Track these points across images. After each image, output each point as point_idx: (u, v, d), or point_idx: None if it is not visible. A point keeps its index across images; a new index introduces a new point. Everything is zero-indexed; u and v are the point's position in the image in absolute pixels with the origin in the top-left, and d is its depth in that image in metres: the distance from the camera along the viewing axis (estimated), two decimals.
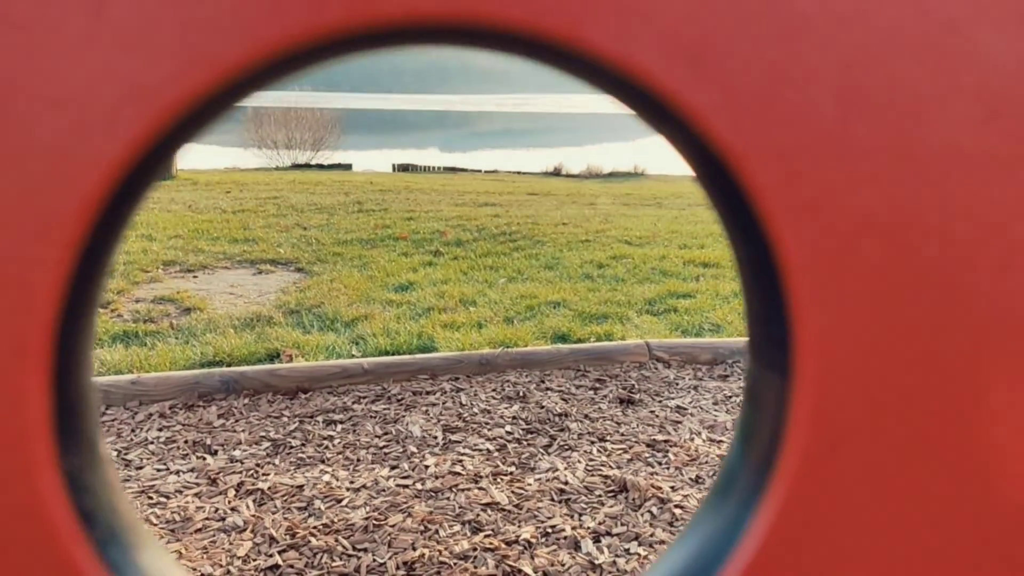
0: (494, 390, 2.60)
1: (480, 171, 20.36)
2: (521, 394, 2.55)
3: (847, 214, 0.32)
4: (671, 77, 0.29)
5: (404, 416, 2.40)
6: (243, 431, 2.29)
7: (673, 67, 0.29)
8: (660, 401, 2.49)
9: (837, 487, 0.35)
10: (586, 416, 2.38)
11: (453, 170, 20.61)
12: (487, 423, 2.35)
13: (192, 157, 16.47)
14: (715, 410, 2.43)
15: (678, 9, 0.29)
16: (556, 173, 20.13)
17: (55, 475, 0.28)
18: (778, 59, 0.31)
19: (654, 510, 1.84)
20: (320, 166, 21.46)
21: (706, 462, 2.09)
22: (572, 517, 1.82)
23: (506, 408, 2.44)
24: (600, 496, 1.92)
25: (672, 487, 1.94)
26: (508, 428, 2.31)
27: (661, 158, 24.51)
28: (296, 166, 21.44)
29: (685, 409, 2.42)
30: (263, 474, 2.04)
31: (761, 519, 0.35)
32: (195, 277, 4.64)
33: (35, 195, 0.27)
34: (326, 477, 2.03)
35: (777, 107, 0.31)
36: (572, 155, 30.74)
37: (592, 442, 2.21)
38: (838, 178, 0.32)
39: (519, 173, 19.96)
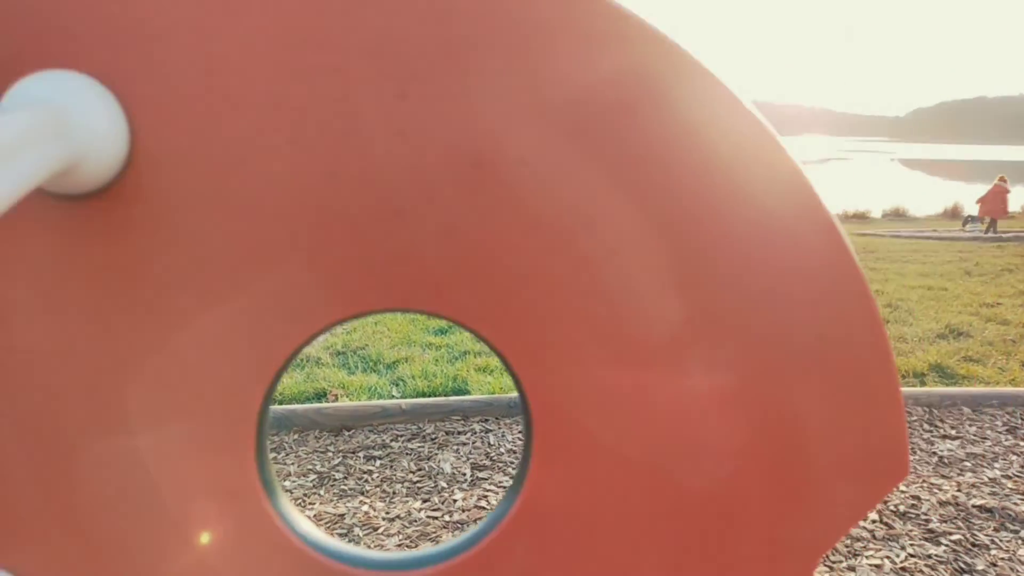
0: (520, 432, 2.82)
1: None
2: None
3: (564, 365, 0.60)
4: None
5: (437, 454, 2.64)
6: (292, 464, 2.57)
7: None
8: None
9: (556, 496, 0.61)
10: None
11: None
12: (512, 462, 2.57)
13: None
14: None
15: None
16: None
17: (256, 468, 0.57)
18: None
19: None
20: None
21: None
22: None
23: None
24: None
25: None
26: None
27: None
28: None
29: None
30: (309, 503, 2.30)
31: (509, 513, 0.60)
32: None
33: (253, 355, 0.58)
34: (365, 507, 2.27)
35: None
36: None
37: None
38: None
39: None
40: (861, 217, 21.30)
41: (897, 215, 21.64)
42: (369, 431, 2.83)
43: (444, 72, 0.53)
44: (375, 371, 3.74)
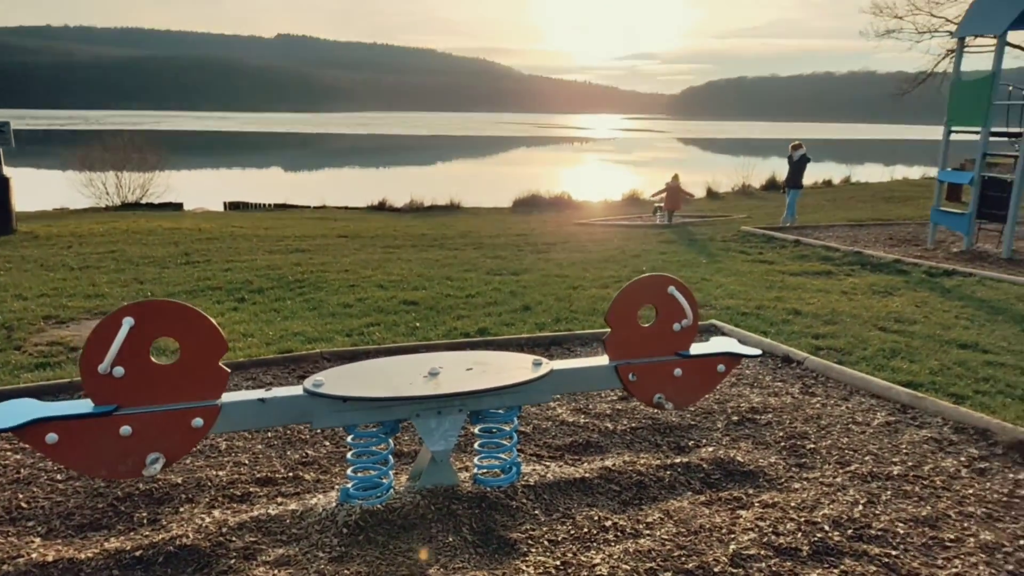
0: (242, 377, 5.75)
1: (308, 207, 23.12)
2: (259, 380, 5.73)
3: None
4: None
5: None
6: None
7: None
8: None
9: None
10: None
11: (283, 207, 23.22)
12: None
13: (21, 195, 16.71)
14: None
15: None
16: (380, 208, 23.21)
17: None
18: None
19: None
20: (151, 205, 23.12)
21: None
22: None
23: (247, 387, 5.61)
24: None
25: None
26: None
27: (476, 192, 28.35)
28: (126, 205, 23.11)
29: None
30: None
31: None
32: (68, 327, 7.44)
33: None
34: None
35: None
36: (404, 179, 34.02)
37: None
38: None
39: (346, 208, 22.91)
40: (605, 203, 26.03)
41: (633, 199, 26.63)
42: None
43: None
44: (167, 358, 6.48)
